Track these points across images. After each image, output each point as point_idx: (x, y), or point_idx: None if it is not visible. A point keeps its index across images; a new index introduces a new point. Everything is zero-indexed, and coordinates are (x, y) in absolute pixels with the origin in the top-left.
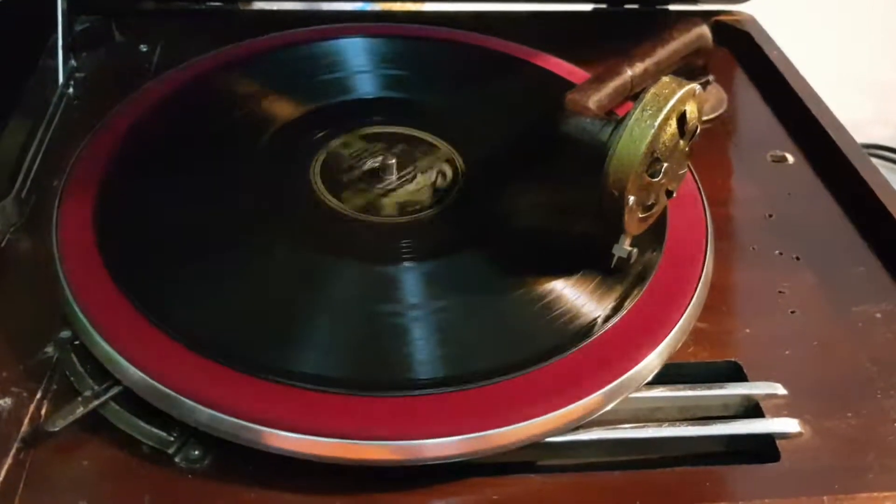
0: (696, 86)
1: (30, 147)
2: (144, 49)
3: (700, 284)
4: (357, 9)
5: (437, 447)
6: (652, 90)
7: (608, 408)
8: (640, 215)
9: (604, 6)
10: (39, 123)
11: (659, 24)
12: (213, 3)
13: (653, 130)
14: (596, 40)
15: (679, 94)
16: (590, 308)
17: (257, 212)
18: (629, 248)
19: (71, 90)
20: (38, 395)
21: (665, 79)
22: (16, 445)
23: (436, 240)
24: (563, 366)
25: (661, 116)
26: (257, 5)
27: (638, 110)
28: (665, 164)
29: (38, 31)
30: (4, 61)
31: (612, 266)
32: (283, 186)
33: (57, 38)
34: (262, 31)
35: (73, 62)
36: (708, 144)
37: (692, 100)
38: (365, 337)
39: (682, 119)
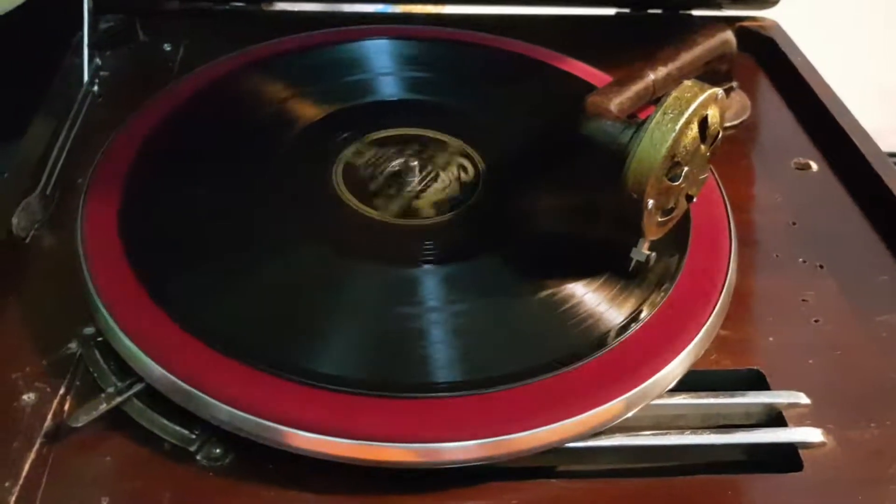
0: (718, 90)
1: (54, 144)
2: (168, 48)
3: (724, 292)
4: (378, 10)
5: (457, 451)
6: (674, 94)
7: (629, 414)
8: (660, 219)
9: (627, 10)
10: (64, 121)
11: (682, 29)
12: (236, 4)
13: (673, 134)
14: (619, 44)
15: (701, 98)
16: (612, 313)
17: (280, 212)
18: (647, 252)
19: (95, 88)
20: (62, 391)
21: (687, 83)
22: (39, 440)
23: (457, 243)
24: (585, 371)
25: (683, 120)
26: (279, 6)
27: (659, 113)
28: (685, 169)
29: (63, 30)
30: (30, 59)
31: (630, 270)
32: (307, 187)
33: (82, 37)
34: (284, 31)
35: (97, 61)
36: (731, 151)
37: (714, 104)
38: (386, 339)
39: (703, 123)
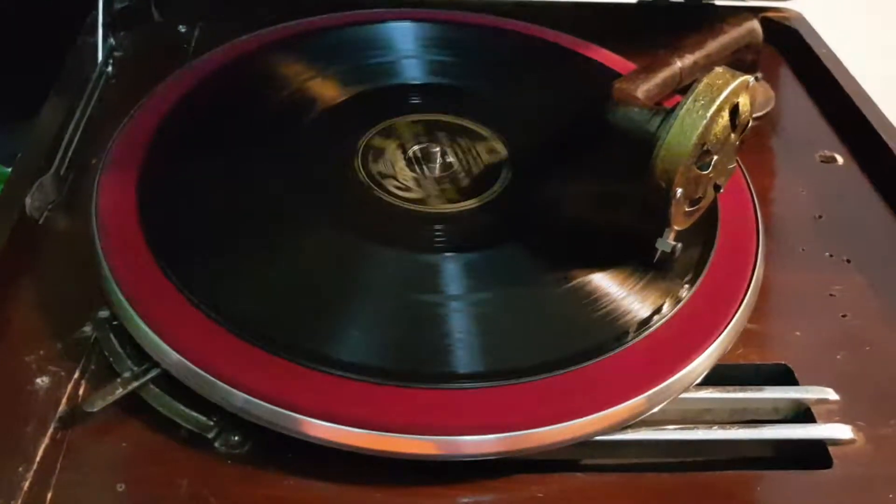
0: (749, 77)
1: (68, 124)
2: (183, 30)
3: (751, 285)
4: None
5: (477, 444)
6: (705, 80)
7: (657, 409)
8: (687, 209)
9: None
10: (78, 101)
11: (705, 18)
12: None
13: (705, 121)
14: (640, 33)
15: (733, 85)
16: (639, 306)
17: (301, 196)
18: (673, 243)
19: (109, 69)
20: (76, 375)
21: (718, 69)
22: (53, 425)
23: (480, 231)
24: (611, 364)
25: (714, 107)
26: None
27: (690, 100)
28: (715, 157)
29: (77, 9)
30: (43, 38)
31: (655, 260)
32: (327, 171)
33: (97, 16)
34: (298, 14)
35: (111, 41)
36: (756, 143)
37: (745, 92)
38: (407, 328)
39: (734, 111)
